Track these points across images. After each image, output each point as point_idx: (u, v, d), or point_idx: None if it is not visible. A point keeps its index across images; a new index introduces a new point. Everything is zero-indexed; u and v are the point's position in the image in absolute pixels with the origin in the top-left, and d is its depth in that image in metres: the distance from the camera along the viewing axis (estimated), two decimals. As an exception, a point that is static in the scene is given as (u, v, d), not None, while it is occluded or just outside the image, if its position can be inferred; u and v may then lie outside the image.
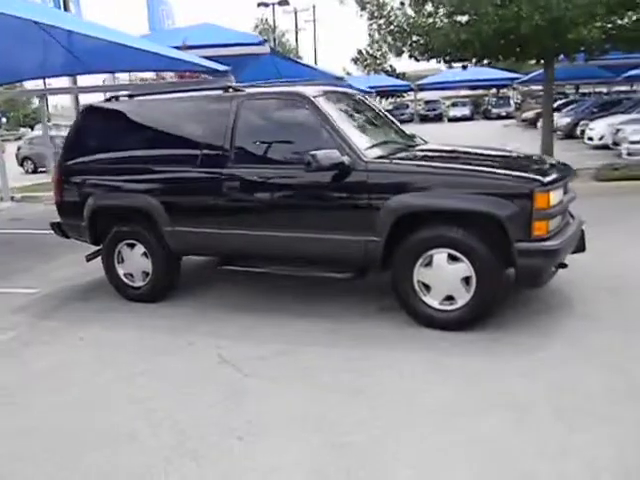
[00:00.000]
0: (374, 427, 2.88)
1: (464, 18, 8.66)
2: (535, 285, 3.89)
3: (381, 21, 10.64)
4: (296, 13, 35.41)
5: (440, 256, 3.87)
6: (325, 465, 2.60)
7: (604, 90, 31.85)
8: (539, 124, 23.24)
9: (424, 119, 35.72)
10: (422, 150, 4.73)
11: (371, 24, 10.82)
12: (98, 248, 5.30)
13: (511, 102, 35.36)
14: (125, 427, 3.01)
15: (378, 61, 39.23)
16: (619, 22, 9.07)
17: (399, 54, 10.74)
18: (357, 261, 4.17)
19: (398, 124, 5.30)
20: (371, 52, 38.97)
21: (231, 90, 4.59)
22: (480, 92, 42.11)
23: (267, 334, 4.14)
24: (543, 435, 2.74)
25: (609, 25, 8.79)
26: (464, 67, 10.61)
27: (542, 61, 10.32)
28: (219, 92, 4.71)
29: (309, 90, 4.41)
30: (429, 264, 3.92)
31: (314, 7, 37.77)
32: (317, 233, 4.14)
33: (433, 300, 3.96)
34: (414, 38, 9.96)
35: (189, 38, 11.43)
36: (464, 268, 3.81)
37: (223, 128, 4.40)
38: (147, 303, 4.95)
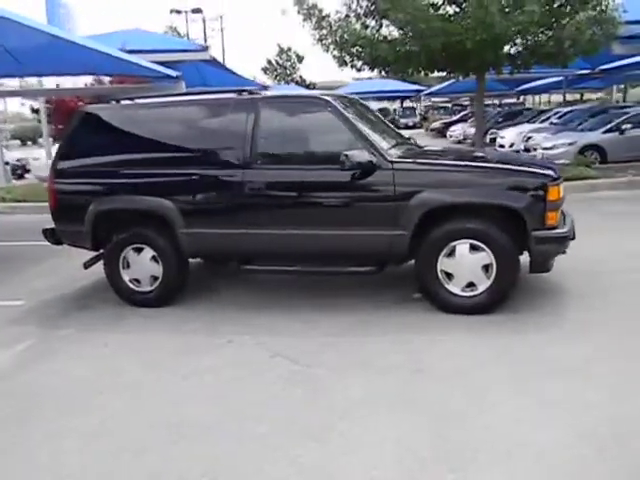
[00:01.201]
0: (452, 400, 3.14)
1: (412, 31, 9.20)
2: (544, 270, 4.34)
3: (324, 31, 11.00)
4: (204, 21, 35.10)
5: (462, 246, 4.23)
6: (436, 433, 2.82)
7: (496, 102, 34.69)
8: (448, 133, 25.14)
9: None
10: (434, 151, 5.11)
11: (315, 35, 11.13)
12: (97, 254, 5.14)
13: (417, 113, 37.38)
14: (220, 420, 3.04)
15: (288, 71, 39.88)
16: (536, 39, 10.08)
17: (342, 64, 11.15)
18: (382, 254, 4.43)
19: (393, 126, 5.66)
20: (281, 62, 39.52)
21: (246, 93, 4.68)
22: (385, 103, 44.02)
23: (301, 329, 4.25)
24: (605, 386, 3.16)
25: (529, 42, 9.77)
26: (404, 79, 11.23)
27: (470, 73, 11.22)
28: (232, 95, 4.78)
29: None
30: (451, 254, 4.27)
31: (221, 17, 37.53)
32: (344, 230, 4.35)
33: (455, 287, 4.30)
34: (359, 49, 10.40)
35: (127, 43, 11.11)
36: (484, 256, 4.20)
37: (244, 130, 4.48)
38: (155, 308, 4.87)
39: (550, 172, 4.24)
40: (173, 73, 9.34)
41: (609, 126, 12.65)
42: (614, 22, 9.70)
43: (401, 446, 2.73)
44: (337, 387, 3.34)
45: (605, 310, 4.32)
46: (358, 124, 4.41)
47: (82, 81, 13.02)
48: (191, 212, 4.63)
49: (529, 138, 15.22)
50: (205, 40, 36.63)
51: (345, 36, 10.61)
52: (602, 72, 18.27)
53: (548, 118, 17.69)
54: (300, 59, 41.47)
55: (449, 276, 4.31)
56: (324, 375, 3.51)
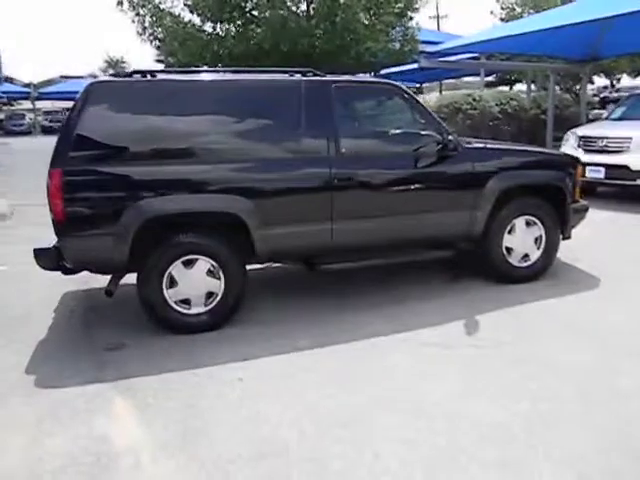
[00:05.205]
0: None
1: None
2: (570, 236, 5.08)
3: (147, 22, 10.00)
4: None
5: (520, 223, 4.71)
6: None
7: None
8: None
9: (47, 131, 32.48)
10: (479, 140, 5.37)
11: (137, 25, 10.01)
12: (119, 274, 3.92)
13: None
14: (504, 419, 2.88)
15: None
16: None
17: (168, 57, 10.29)
18: (462, 237, 4.58)
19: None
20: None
21: (310, 74, 4.22)
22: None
23: (408, 322, 4.06)
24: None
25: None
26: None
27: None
28: (286, 76, 4.23)
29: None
30: (511, 230, 4.71)
31: None
32: (433, 214, 4.39)
33: (514, 260, 4.76)
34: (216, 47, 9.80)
35: None
36: (536, 230, 4.77)
37: (325, 117, 4.05)
38: (203, 332, 3.95)
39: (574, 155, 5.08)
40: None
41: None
42: (415, 40, 11.44)
43: None
44: (526, 356, 3.48)
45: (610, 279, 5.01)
46: (429, 110, 4.46)
47: None
48: (272, 210, 3.96)
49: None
50: None
51: (179, 31, 9.86)
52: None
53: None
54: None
55: (508, 250, 4.74)
56: (502, 350, 3.59)
